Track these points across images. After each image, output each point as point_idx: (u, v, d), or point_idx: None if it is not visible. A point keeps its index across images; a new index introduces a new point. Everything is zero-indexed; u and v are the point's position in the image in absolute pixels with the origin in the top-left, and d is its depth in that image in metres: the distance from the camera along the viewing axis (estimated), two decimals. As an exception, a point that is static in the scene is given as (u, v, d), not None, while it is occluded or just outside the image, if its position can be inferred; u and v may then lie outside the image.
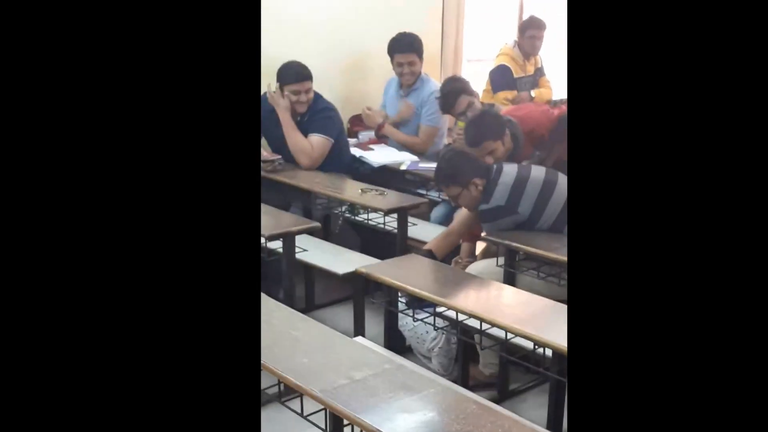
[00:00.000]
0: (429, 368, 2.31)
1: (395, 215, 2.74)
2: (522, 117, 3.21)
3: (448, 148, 2.68)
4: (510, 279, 2.40)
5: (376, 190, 2.90)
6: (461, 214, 2.69)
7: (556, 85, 4.40)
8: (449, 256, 2.69)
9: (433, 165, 2.73)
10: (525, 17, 4.71)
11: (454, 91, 3.19)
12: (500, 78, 3.98)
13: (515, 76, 4.04)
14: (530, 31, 4.12)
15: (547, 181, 2.46)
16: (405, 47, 3.50)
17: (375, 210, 2.81)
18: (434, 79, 3.72)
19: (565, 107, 3.58)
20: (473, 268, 2.51)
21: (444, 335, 2.37)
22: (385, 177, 3.26)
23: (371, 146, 3.55)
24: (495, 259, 2.45)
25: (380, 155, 3.43)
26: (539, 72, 4.24)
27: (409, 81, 3.56)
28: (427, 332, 2.41)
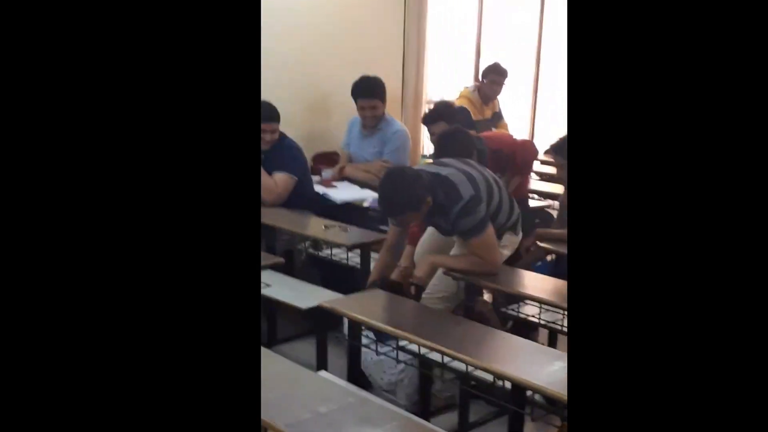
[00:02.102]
0: (392, 401, 2.31)
1: (358, 251, 2.76)
2: (489, 137, 3.31)
3: (384, 173, 2.43)
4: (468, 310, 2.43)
5: (339, 226, 2.91)
6: (392, 228, 2.64)
7: (513, 129, 4.53)
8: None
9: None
10: (483, 61, 4.85)
11: (437, 113, 3.29)
12: (460, 119, 4.07)
13: (474, 118, 4.13)
14: (492, 76, 4.24)
15: (486, 175, 2.47)
16: (367, 92, 3.53)
17: (338, 245, 2.82)
18: (397, 120, 3.79)
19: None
20: (434, 290, 2.52)
21: (409, 368, 2.37)
22: (348, 213, 3.28)
23: (334, 183, 3.58)
24: (455, 282, 2.47)
25: (343, 192, 3.46)
26: (497, 116, 4.36)
27: (371, 124, 3.61)
28: (390, 366, 2.41)
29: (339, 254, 2.87)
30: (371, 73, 3.65)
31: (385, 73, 3.95)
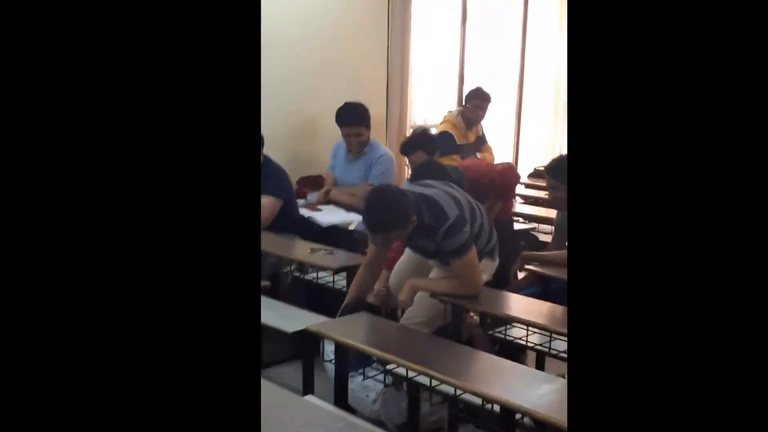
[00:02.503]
0: (379, 424, 2.28)
1: (344, 273, 2.74)
2: (467, 166, 3.31)
3: (371, 190, 2.41)
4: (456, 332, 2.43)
5: (325, 250, 2.90)
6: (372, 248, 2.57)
7: (498, 152, 4.56)
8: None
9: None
10: (466, 86, 4.90)
11: (415, 143, 3.29)
12: (444, 144, 4.09)
13: (458, 143, 4.17)
14: (475, 101, 4.28)
15: (468, 197, 2.48)
16: (352, 120, 3.55)
17: (324, 269, 2.81)
18: (381, 144, 3.81)
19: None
20: (413, 314, 2.50)
21: (390, 390, 2.35)
22: (334, 237, 3.27)
23: (319, 207, 3.57)
24: (434, 307, 2.45)
25: (329, 216, 3.45)
26: (481, 140, 4.40)
27: (357, 149, 3.63)
28: (371, 390, 2.39)
29: (325, 277, 2.85)
30: (356, 97, 3.68)
31: (370, 98, 4.00)
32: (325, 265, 2.78)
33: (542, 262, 2.85)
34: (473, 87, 4.39)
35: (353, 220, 3.38)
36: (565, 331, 2.14)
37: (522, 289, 2.93)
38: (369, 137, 3.64)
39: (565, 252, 3.05)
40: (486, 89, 4.34)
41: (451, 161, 3.99)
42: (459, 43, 5.27)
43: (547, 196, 3.52)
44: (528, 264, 2.86)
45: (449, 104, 5.12)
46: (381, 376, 2.11)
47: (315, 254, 2.87)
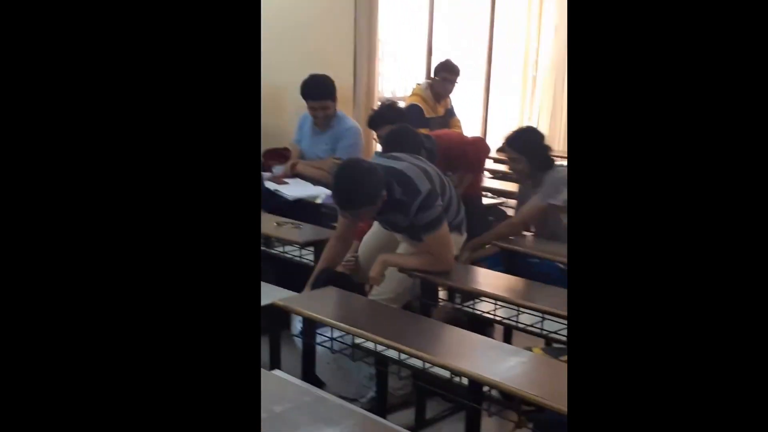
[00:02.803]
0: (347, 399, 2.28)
1: (312, 248, 2.71)
2: (439, 135, 3.30)
3: (339, 165, 2.35)
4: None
5: (292, 224, 2.87)
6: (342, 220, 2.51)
7: (466, 127, 4.56)
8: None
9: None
10: (434, 59, 4.87)
11: (383, 117, 3.24)
12: (412, 117, 4.04)
13: (427, 116, 4.14)
14: (444, 73, 4.24)
15: (437, 170, 2.47)
16: (318, 94, 3.46)
17: (291, 243, 2.77)
18: (349, 117, 3.76)
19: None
20: (381, 290, 2.49)
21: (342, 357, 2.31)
22: (301, 210, 3.23)
23: (286, 180, 3.52)
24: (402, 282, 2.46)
25: (295, 189, 3.40)
26: (450, 113, 4.37)
27: (323, 123, 3.55)
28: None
29: (292, 251, 2.82)
30: (322, 69, 3.60)
31: (336, 70, 3.92)
32: (292, 240, 2.75)
33: (493, 240, 2.85)
34: (442, 59, 4.35)
35: (320, 193, 3.35)
36: (532, 304, 2.17)
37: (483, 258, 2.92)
38: (335, 110, 3.58)
39: (509, 222, 3.07)
40: (455, 62, 4.31)
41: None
42: (427, 15, 5.22)
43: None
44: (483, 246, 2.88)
45: (418, 77, 5.08)
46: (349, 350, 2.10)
47: (282, 228, 2.83)
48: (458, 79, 4.30)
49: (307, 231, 2.81)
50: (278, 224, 2.86)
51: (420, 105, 4.16)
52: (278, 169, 3.66)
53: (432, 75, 4.38)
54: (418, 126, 3.99)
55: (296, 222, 2.89)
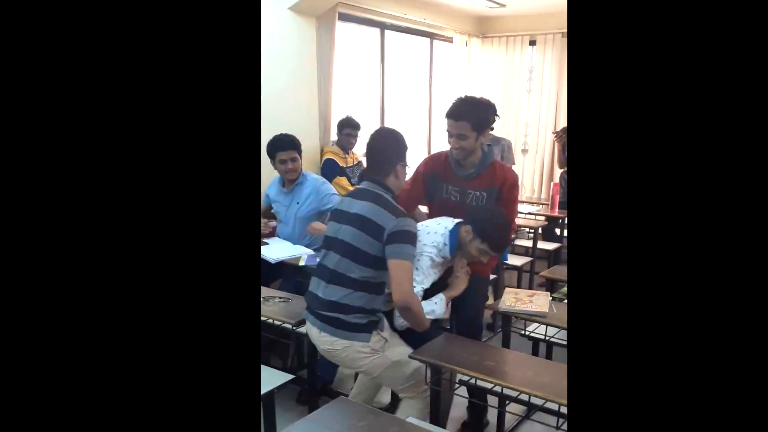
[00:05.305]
0: None
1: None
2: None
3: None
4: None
5: (279, 297, 2.79)
6: None
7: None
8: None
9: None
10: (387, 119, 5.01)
11: None
12: (331, 169, 4.49)
13: (342, 165, 4.52)
14: (347, 129, 4.58)
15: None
16: (286, 145, 3.53)
17: (283, 322, 2.59)
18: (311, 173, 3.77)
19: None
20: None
21: None
22: (285, 274, 3.18)
23: (265, 240, 3.47)
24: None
25: (276, 250, 3.35)
26: (360, 164, 4.69)
27: (292, 177, 3.58)
28: None
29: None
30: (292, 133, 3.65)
31: (302, 135, 3.97)
32: (283, 319, 2.57)
33: None
34: (343, 117, 4.66)
35: (302, 254, 3.31)
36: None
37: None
38: (301, 165, 3.59)
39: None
40: (356, 119, 4.63)
41: (340, 181, 4.39)
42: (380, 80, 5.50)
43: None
44: None
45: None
46: None
47: (268, 304, 2.71)
48: (359, 133, 4.65)
49: (297, 305, 2.67)
50: (264, 299, 2.74)
51: (334, 159, 4.53)
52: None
53: (337, 132, 4.70)
54: (336, 175, 4.44)
55: (284, 295, 2.81)
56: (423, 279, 2.37)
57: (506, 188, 2.70)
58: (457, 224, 2.46)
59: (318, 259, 3.13)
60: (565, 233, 5.34)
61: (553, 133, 6.38)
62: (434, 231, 2.45)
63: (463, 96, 2.70)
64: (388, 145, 2.37)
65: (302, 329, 2.60)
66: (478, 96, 2.71)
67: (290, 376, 2.37)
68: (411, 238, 2.20)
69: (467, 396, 2.77)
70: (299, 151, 3.56)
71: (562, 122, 6.49)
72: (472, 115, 2.60)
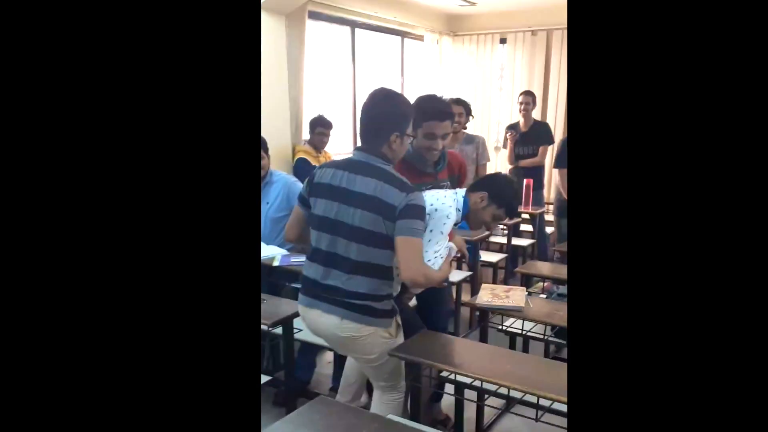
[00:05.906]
0: None
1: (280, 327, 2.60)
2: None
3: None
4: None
5: (255, 298, 2.76)
6: None
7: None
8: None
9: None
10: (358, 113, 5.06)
11: None
12: (303, 168, 4.53)
13: (315, 164, 4.48)
14: (319, 128, 4.64)
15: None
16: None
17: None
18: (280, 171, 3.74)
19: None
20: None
21: None
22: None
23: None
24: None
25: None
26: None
27: (261, 175, 3.51)
28: None
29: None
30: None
31: (273, 134, 3.96)
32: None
33: None
34: (315, 116, 4.68)
35: (275, 254, 3.27)
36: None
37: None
38: (269, 163, 3.55)
39: None
40: (328, 118, 4.66)
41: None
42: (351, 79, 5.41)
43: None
44: None
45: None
46: None
47: None
48: (330, 132, 4.69)
49: (273, 306, 2.67)
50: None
51: (306, 158, 4.60)
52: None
53: (309, 130, 4.72)
54: (309, 174, 4.19)
55: (262, 296, 2.78)
56: (440, 249, 2.27)
57: (462, 172, 2.95)
58: (467, 191, 2.44)
59: (292, 259, 3.14)
60: (546, 229, 5.36)
61: (506, 128, 5.69)
62: (442, 201, 2.31)
63: (435, 95, 2.70)
64: (381, 111, 2.19)
65: (277, 330, 2.58)
66: (437, 93, 2.75)
67: (267, 378, 2.35)
68: (420, 212, 2.08)
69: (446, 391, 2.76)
70: (265, 150, 3.51)
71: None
72: (451, 114, 2.63)
